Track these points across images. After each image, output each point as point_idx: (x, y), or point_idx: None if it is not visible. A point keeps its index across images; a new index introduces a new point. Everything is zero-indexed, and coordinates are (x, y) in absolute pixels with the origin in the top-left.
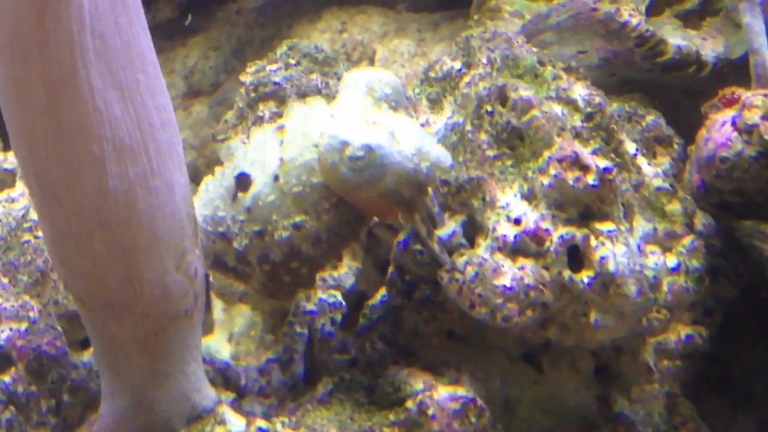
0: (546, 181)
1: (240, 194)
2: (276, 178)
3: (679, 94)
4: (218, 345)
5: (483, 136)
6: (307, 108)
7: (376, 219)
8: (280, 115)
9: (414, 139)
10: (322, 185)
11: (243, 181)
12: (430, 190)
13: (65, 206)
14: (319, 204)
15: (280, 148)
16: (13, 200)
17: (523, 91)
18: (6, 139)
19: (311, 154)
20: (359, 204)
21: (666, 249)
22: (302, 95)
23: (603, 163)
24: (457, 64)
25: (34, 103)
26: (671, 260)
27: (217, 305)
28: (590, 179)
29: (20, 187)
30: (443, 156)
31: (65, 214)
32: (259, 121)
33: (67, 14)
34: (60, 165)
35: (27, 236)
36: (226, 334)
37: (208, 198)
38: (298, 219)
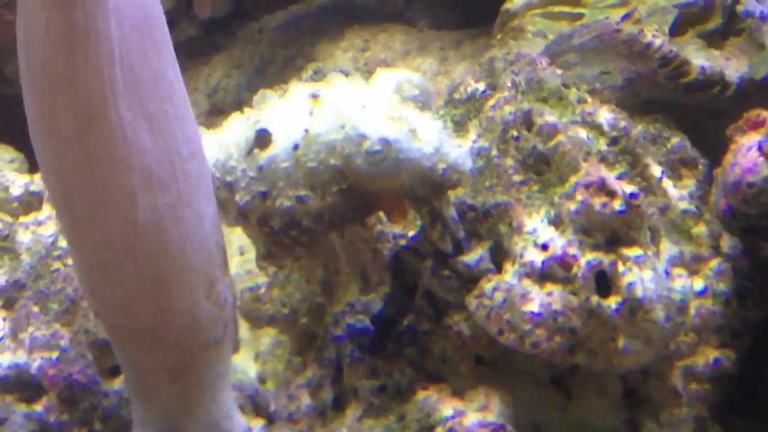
0: (573, 206)
1: (256, 150)
2: (296, 147)
3: (703, 114)
4: (244, 364)
5: (509, 161)
6: (347, 84)
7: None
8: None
9: (434, 139)
10: (336, 168)
11: (263, 138)
12: (450, 194)
13: (95, 237)
14: (328, 185)
15: (309, 119)
16: (40, 223)
17: (549, 116)
18: (33, 161)
19: (336, 135)
20: (372, 196)
21: (693, 272)
22: None
23: (629, 188)
24: (481, 86)
25: (64, 135)
26: (698, 283)
27: (243, 325)
28: (617, 205)
29: (47, 210)
30: (462, 159)
31: (95, 245)
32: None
33: (96, 47)
34: (90, 196)
35: (57, 264)
36: (252, 353)
37: (226, 141)
38: (303, 193)
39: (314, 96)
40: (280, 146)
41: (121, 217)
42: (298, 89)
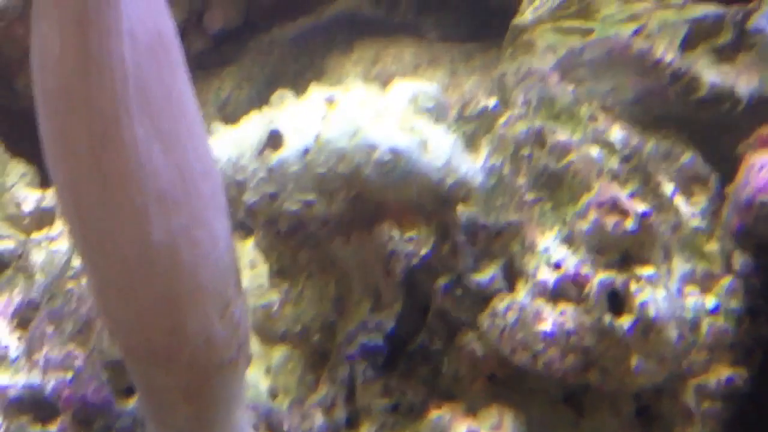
0: (585, 226)
1: (268, 151)
2: (306, 151)
3: (713, 128)
4: (255, 378)
5: (521, 180)
6: (363, 91)
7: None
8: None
9: (445, 152)
10: (345, 176)
11: (275, 139)
12: (461, 212)
13: (109, 257)
14: (336, 193)
15: (321, 123)
16: (52, 239)
17: (561, 134)
18: (44, 174)
19: (347, 142)
20: (380, 205)
21: (705, 289)
22: None
23: (642, 207)
24: (492, 102)
25: (78, 155)
26: (710, 301)
27: (255, 341)
28: (629, 224)
29: (59, 226)
30: (472, 173)
31: (109, 265)
32: None
33: (110, 68)
34: (104, 216)
35: (71, 284)
36: (264, 367)
37: (241, 139)
38: (310, 197)
39: (329, 100)
40: (291, 149)
41: (135, 236)
42: (316, 92)
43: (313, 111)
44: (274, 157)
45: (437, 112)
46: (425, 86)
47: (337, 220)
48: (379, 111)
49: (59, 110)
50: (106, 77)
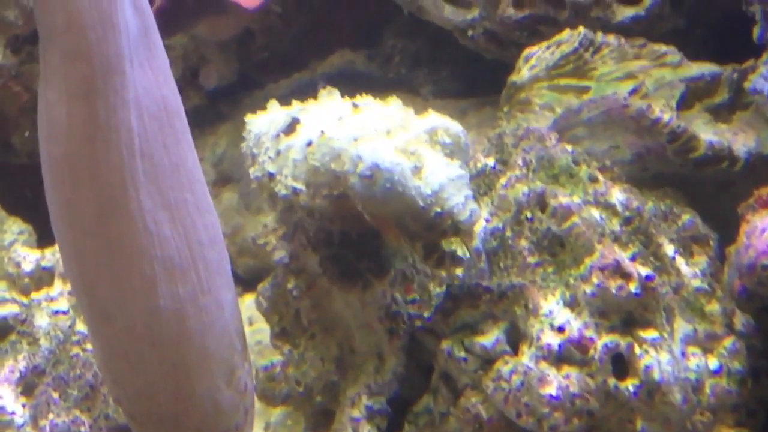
0: (588, 289)
1: (281, 135)
2: (309, 143)
3: (711, 186)
4: None
5: (523, 243)
6: (393, 109)
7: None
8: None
9: (438, 182)
10: (334, 175)
11: (291, 126)
12: (461, 241)
13: (116, 325)
14: (321, 187)
15: (336, 123)
16: (52, 299)
17: (563, 197)
18: (43, 235)
19: (346, 145)
20: (362, 213)
21: (707, 350)
22: None
23: (644, 270)
24: (491, 162)
25: (85, 225)
26: (713, 362)
27: (258, 402)
28: (633, 288)
29: (59, 286)
30: (459, 209)
31: (116, 333)
32: None
33: (117, 138)
34: (111, 285)
35: (76, 349)
36: (263, 423)
37: (275, 119)
38: (298, 186)
39: (355, 105)
40: (298, 138)
41: (142, 305)
42: (359, 100)
43: (336, 111)
44: (284, 141)
45: (453, 149)
46: (450, 123)
47: (320, 215)
48: (392, 129)
49: (66, 179)
50: (113, 147)
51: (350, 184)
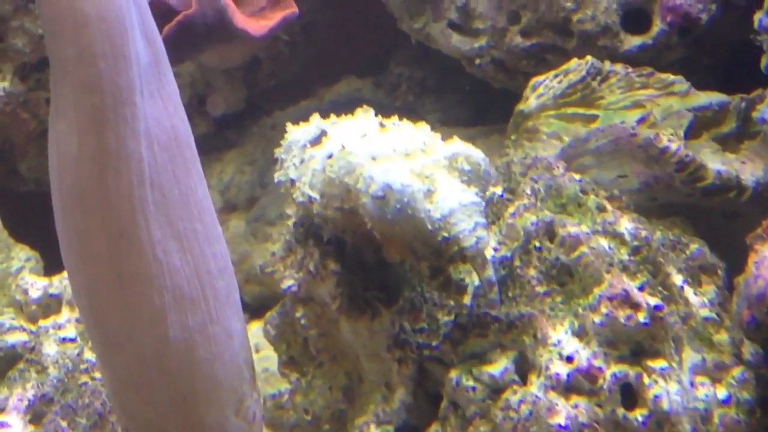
0: (597, 319)
1: (309, 145)
2: (330, 156)
3: (719, 216)
4: None
5: (532, 272)
6: (419, 132)
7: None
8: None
9: (449, 207)
10: (347, 188)
11: (318, 138)
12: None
13: (126, 354)
14: (333, 198)
15: (360, 140)
16: (60, 326)
17: (571, 227)
18: (48, 259)
19: (365, 161)
20: (371, 231)
21: (715, 380)
22: None
23: (653, 300)
24: (498, 190)
25: (96, 255)
26: (721, 392)
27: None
28: (641, 317)
29: (66, 313)
30: (465, 235)
31: (126, 362)
32: None
33: (127, 169)
34: (121, 314)
35: (84, 378)
36: None
37: (304, 130)
38: (313, 195)
39: (382, 125)
40: (323, 150)
41: (152, 335)
42: (388, 121)
43: (363, 128)
44: (309, 151)
45: (471, 177)
46: (472, 151)
47: (332, 226)
48: (411, 152)
49: (76, 210)
50: (123, 178)
51: (362, 203)
